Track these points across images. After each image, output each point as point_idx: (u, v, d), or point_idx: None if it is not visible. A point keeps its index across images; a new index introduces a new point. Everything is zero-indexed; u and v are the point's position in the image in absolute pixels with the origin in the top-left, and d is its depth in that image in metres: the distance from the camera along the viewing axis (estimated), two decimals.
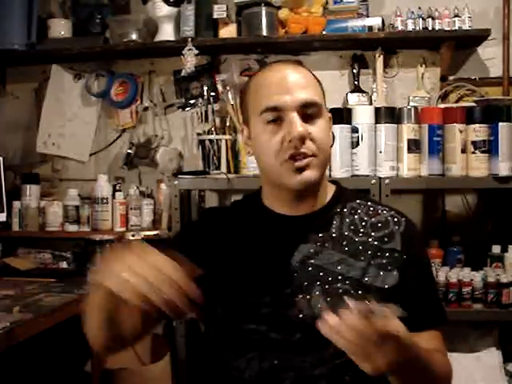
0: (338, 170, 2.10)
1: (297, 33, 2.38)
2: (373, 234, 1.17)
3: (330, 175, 2.07)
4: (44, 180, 2.67)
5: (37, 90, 2.72)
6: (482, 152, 2.07)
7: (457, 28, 2.31)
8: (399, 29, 2.36)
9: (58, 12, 2.68)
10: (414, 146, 2.11)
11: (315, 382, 1.08)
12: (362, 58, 2.49)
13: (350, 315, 0.88)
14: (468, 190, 2.41)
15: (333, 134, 1.22)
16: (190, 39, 2.38)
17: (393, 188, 2.08)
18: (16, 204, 2.53)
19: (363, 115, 2.14)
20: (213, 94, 2.48)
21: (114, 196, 2.51)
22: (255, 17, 2.38)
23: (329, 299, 1.07)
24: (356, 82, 2.47)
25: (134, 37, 2.48)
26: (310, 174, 1.10)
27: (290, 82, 1.11)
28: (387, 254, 1.15)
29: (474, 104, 2.20)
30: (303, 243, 1.14)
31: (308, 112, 1.11)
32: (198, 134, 2.37)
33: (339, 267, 1.12)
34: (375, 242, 1.15)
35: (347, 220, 1.18)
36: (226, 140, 2.32)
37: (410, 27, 2.35)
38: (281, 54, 2.48)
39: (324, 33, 2.37)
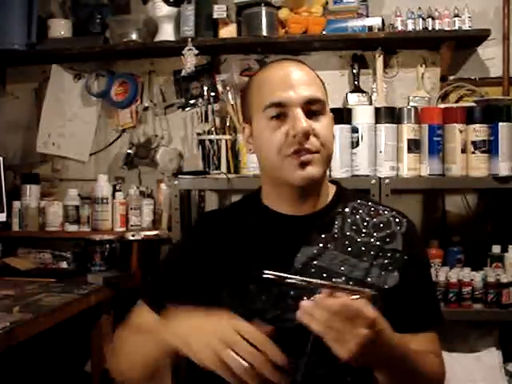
0: (338, 170, 2.10)
1: (297, 33, 2.38)
2: (375, 234, 1.16)
3: (330, 175, 2.06)
4: (44, 180, 2.67)
5: (37, 89, 2.72)
6: (482, 152, 2.07)
7: (457, 28, 2.31)
8: (399, 29, 2.36)
9: (57, 12, 2.68)
10: (413, 146, 2.11)
11: (317, 382, 1.08)
12: (362, 57, 2.49)
13: (322, 297, 0.88)
14: (468, 189, 2.41)
15: (333, 134, 1.20)
16: (189, 39, 2.38)
17: (393, 188, 2.07)
18: (16, 204, 2.53)
19: (363, 115, 2.14)
20: (213, 94, 2.48)
21: (114, 196, 2.51)
22: (255, 17, 2.38)
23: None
24: (356, 82, 2.47)
25: (134, 37, 2.48)
26: (312, 170, 1.09)
27: (294, 79, 1.11)
28: (389, 255, 1.15)
29: (474, 104, 2.20)
30: (306, 244, 1.14)
31: (312, 108, 1.10)
32: (198, 134, 2.37)
33: (342, 268, 1.12)
34: (377, 243, 1.15)
35: (349, 220, 1.18)
36: (226, 140, 2.32)
37: (410, 27, 2.35)
38: (281, 54, 2.47)
39: (324, 33, 2.37)
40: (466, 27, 2.30)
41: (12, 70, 2.73)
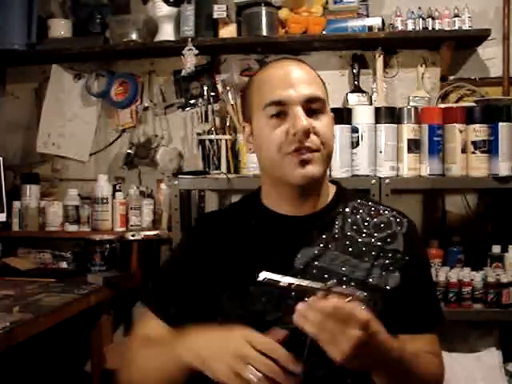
0: (338, 170, 2.10)
1: (297, 33, 2.38)
2: (376, 234, 1.16)
3: (330, 175, 2.06)
4: (44, 180, 2.67)
5: (37, 89, 2.72)
6: (482, 152, 2.07)
7: (457, 28, 2.31)
8: (399, 29, 2.36)
9: (57, 12, 2.68)
10: (413, 146, 2.11)
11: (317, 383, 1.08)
12: (362, 57, 2.49)
13: (316, 300, 0.89)
14: (468, 189, 2.41)
15: (333, 133, 1.20)
16: (190, 39, 2.38)
17: (393, 188, 2.07)
18: (16, 204, 2.53)
19: (363, 115, 2.14)
20: (213, 94, 2.49)
21: (114, 196, 2.51)
22: (255, 17, 2.38)
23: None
24: (356, 82, 2.47)
25: (134, 37, 2.48)
26: (313, 169, 1.09)
27: (294, 77, 1.11)
28: (390, 255, 1.14)
29: (474, 104, 2.20)
30: (306, 245, 1.13)
31: (312, 107, 1.10)
32: (198, 134, 2.37)
33: (343, 268, 1.11)
34: (378, 243, 1.15)
35: (349, 220, 1.18)
36: (226, 140, 2.32)
37: (410, 27, 2.35)
38: (281, 54, 2.46)
39: (324, 33, 2.37)
40: (466, 27, 2.30)
41: (12, 70, 2.73)
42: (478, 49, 2.44)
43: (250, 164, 2.21)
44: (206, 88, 2.47)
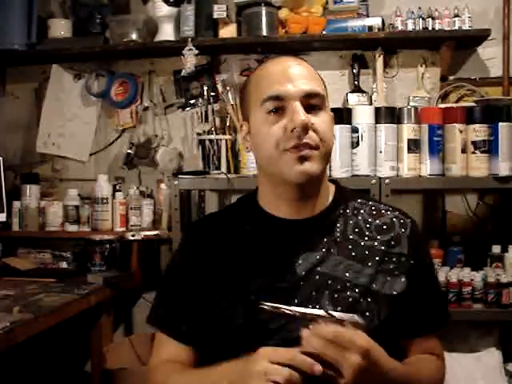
0: (338, 170, 2.10)
1: (297, 33, 2.38)
2: (379, 237, 1.13)
3: (329, 175, 2.06)
4: (44, 180, 2.67)
5: (37, 89, 2.72)
6: (482, 152, 2.07)
7: (457, 28, 2.31)
8: (399, 29, 2.36)
9: (57, 12, 2.68)
10: (413, 146, 2.11)
11: None
12: (362, 57, 2.49)
13: (318, 326, 0.91)
14: (468, 189, 2.41)
15: (333, 132, 1.17)
16: (190, 39, 2.38)
17: (393, 188, 2.07)
18: (16, 204, 2.53)
19: (363, 115, 2.14)
20: (213, 94, 2.49)
21: (114, 196, 2.51)
22: (255, 17, 2.38)
23: (339, 309, 1.04)
24: (356, 82, 2.47)
25: (134, 37, 2.48)
26: (311, 166, 1.05)
27: (293, 73, 1.09)
28: (394, 259, 1.12)
29: (474, 104, 2.20)
30: (308, 250, 1.10)
31: (311, 102, 1.07)
32: (198, 134, 2.37)
33: (347, 274, 1.08)
34: (382, 247, 1.12)
35: (351, 222, 1.14)
36: (226, 140, 2.32)
37: (410, 27, 2.35)
38: (281, 55, 2.47)
39: (324, 33, 2.37)
40: (466, 27, 2.30)
41: (12, 70, 2.73)
42: (478, 49, 2.44)
43: (250, 164, 2.21)
44: (206, 88, 2.47)
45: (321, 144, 1.06)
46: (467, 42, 2.36)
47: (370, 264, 1.10)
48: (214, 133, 2.32)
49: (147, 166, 2.60)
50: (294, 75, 1.08)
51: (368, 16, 2.40)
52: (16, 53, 2.51)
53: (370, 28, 2.35)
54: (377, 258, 1.11)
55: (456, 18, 2.31)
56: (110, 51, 2.55)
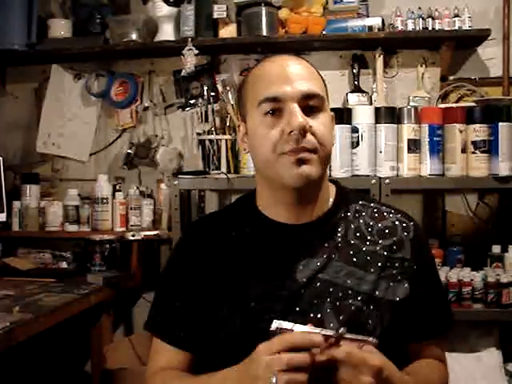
0: (338, 170, 2.10)
1: (297, 33, 2.38)
2: (380, 242, 1.10)
3: (329, 175, 2.06)
4: (44, 180, 2.67)
5: (37, 89, 2.72)
6: (482, 152, 2.07)
7: (457, 28, 2.31)
8: (399, 29, 2.36)
9: (57, 12, 2.68)
10: (413, 146, 2.11)
11: None
12: (362, 57, 2.49)
13: (329, 347, 0.90)
14: (468, 189, 2.41)
15: (333, 133, 1.14)
16: (190, 39, 2.38)
17: (393, 188, 2.07)
18: (16, 204, 2.53)
19: (363, 115, 2.14)
20: (213, 94, 2.48)
21: (114, 196, 2.51)
22: (255, 17, 2.38)
23: (341, 317, 1.03)
24: (356, 82, 2.47)
25: (134, 37, 2.48)
26: (310, 170, 1.02)
27: (291, 73, 1.05)
28: (397, 264, 1.09)
29: (473, 104, 2.20)
30: (309, 256, 1.07)
31: (309, 104, 1.04)
32: (198, 134, 2.37)
33: (349, 281, 1.06)
34: (384, 252, 1.09)
35: (352, 226, 1.11)
36: (226, 140, 2.32)
37: (410, 27, 2.35)
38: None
39: (324, 33, 2.37)
40: (466, 27, 2.30)
41: (12, 70, 2.73)
42: (478, 49, 2.44)
43: (250, 164, 2.20)
44: (206, 88, 2.47)
45: (319, 148, 1.03)
46: (467, 41, 2.36)
47: (372, 270, 1.07)
48: (214, 133, 2.32)
49: (147, 166, 2.60)
50: (291, 75, 1.05)
51: (368, 16, 2.40)
52: (16, 53, 2.51)
53: (370, 28, 2.35)
54: (379, 264, 1.08)
55: (456, 18, 2.31)
56: (109, 51, 2.55)
